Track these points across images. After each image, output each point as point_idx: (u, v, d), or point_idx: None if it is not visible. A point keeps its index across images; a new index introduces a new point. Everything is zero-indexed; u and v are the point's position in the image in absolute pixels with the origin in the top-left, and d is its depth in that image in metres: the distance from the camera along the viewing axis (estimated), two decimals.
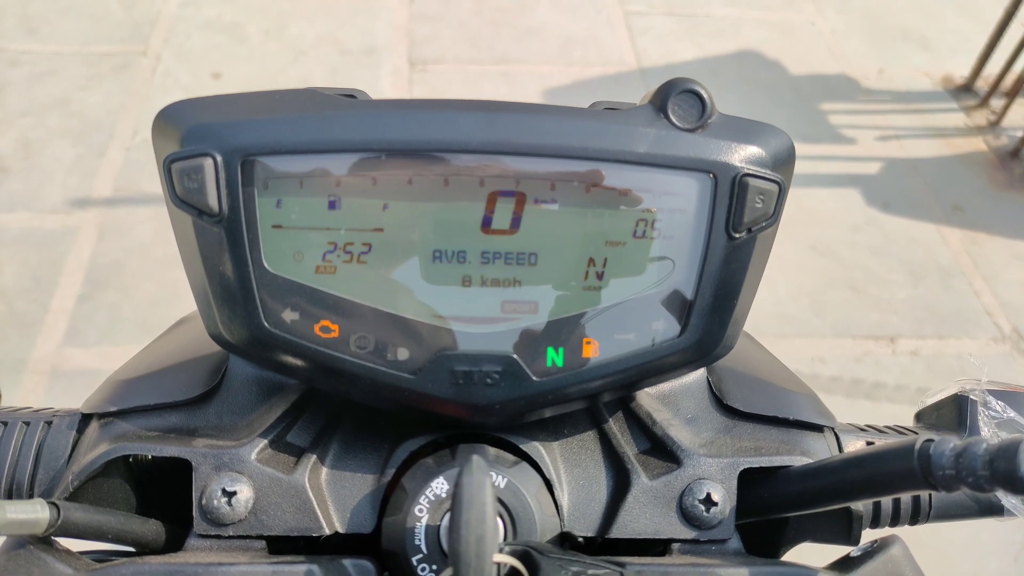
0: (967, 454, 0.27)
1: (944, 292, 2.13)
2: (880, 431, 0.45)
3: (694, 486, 0.36)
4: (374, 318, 0.33)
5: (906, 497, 0.42)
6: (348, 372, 0.33)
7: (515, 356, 0.33)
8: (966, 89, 2.80)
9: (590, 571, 0.28)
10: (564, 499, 0.37)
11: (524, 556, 0.29)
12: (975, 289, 2.15)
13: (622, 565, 0.31)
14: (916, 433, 0.45)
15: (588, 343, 0.34)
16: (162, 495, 0.40)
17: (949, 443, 0.28)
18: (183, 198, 0.31)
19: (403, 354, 0.33)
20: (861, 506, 0.39)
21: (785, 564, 0.35)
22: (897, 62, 2.88)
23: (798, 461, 0.37)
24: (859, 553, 0.35)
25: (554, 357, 0.34)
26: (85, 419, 0.39)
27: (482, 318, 0.33)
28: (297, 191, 0.31)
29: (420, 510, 0.32)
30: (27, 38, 2.54)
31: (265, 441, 0.36)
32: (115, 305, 1.89)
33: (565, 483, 0.37)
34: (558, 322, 0.33)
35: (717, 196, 0.32)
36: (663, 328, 0.34)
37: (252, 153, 0.30)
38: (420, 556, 0.32)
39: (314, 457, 0.36)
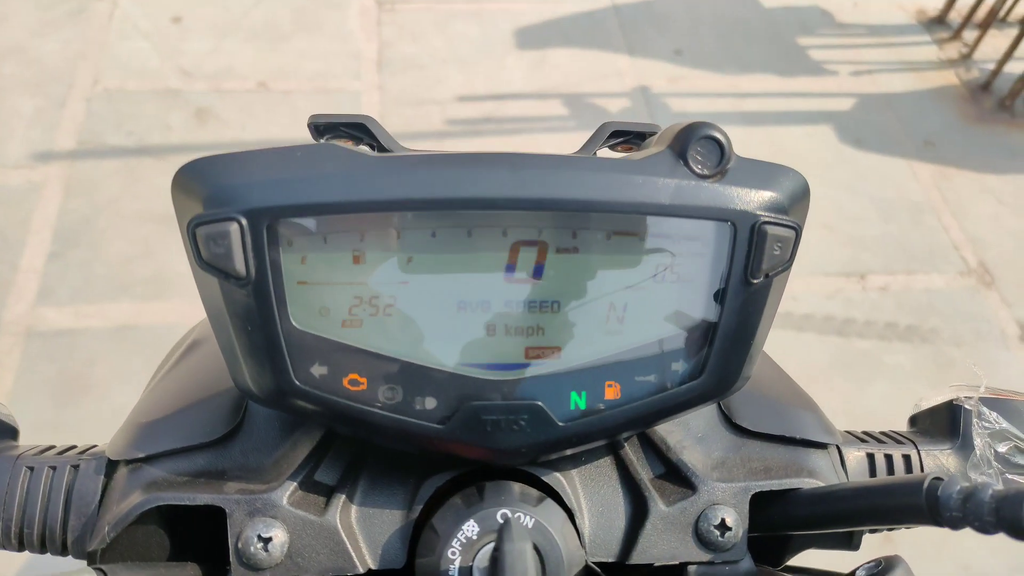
0: (974, 499, 0.28)
1: (914, 228, 2.16)
2: (879, 440, 0.47)
3: (709, 512, 0.38)
4: (401, 369, 0.33)
5: None
6: (377, 424, 0.34)
7: (540, 403, 0.34)
8: (939, 21, 2.78)
9: None
10: (585, 527, 0.38)
11: None
12: (944, 224, 2.18)
13: None
14: (914, 443, 0.47)
15: (610, 386, 0.35)
16: (195, 536, 0.40)
17: (956, 485, 0.30)
18: (209, 262, 0.31)
19: (430, 403, 0.34)
20: None
21: None
22: None
23: (806, 483, 0.39)
24: (864, 573, 0.37)
25: (577, 401, 0.34)
26: (112, 463, 0.39)
27: (506, 364, 0.34)
28: (322, 247, 0.31)
29: (453, 552, 0.33)
30: None
31: (295, 484, 0.36)
32: (87, 263, 1.86)
33: (586, 511, 0.39)
34: (581, 367, 0.34)
35: (736, 244, 0.33)
36: (683, 369, 0.35)
37: (278, 216, 0.30)
38: None
39: (343, 497, 0.37)
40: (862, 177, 2.27)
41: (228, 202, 0.30)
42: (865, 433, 0.48)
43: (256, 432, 0.38)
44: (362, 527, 0.37)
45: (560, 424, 0.34)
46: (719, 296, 0.34)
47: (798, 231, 0.33)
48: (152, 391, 0.43)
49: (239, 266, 0.30)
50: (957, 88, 2.57)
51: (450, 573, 0.33)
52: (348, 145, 0.33)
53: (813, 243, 2.09)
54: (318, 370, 0.33)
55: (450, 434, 0.34)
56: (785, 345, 1.88)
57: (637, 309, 0.34)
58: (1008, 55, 2.50)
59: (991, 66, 2.56)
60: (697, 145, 0.32)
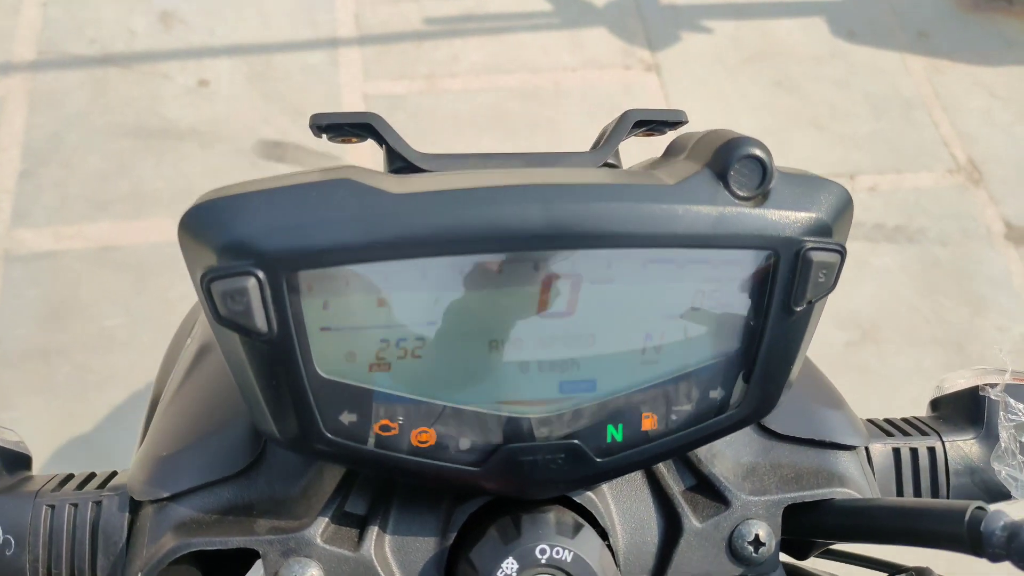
0: (1020, 537, 0.28)
1: (905, 125, 2.13)
2: (903, 431, 0.46)
3: (743, 527, 0.38)
4: (433, 412, 0.32)
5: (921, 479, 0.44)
6: (411, 470, 0.33)
7: (577, 442, 0.33)
8: None
9: None
10: (620, 547, 0.38)
11: None
12: (934, 120, 2.15)
13: None
14: (936, 431, 0.46)
15: (647, 417, 0.34)
16: (227, 571, 0.39)
17: (1000, 520, 0.29)
18: (227, 318, 0.29)
19: (464, 444, 0.33)
20: None
21: None
22: None
23: (838, 493, 0.39)
24: None
25: (614, 434, 0.34)
26: (135, 505, 0.38)
27: (541, 401, 0.33)
28: (344, 291, 0.30)
29: None
30: None
31: (326, 520, 0.36)
32: (60, 181, 1.80)
33: (620, 530, 0.38)
34: (617, 400, 0.33)
35: (778, 272, 0.31)
36: (720, 397, 0.34)
37: (298, 266, 0.28)
38: None
39: (376, 529, 0.36)
40: (854, 72, 2.21)
41: (244, 254, 0.28)
42: (887, 422, 0.47)
43: (279, 460, 0.38)
44: (396, 558, 0.36)
45: (598, 460, 0.34)
46: (759, 324, 0.32)
47: (843, 255, 0.32)
48: (166, 415, 0.42)
49: (260, 323, 0.29)
50: None
51: None
52: (356, 168, 0.31)
53: (803, 144, 2.06)
54: (347, 418, 0.32)
55: (486, 476, 0.33)
56: None
57: (674, 338, 0.32)
58: None
59: None
60: (739, 165, 0.30)
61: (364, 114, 0.35)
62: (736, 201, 0.30)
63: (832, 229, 0.32)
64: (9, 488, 0.38)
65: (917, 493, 0.44)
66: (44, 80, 1.93)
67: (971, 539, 0.30)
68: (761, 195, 0.31)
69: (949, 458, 0.44)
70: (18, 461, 0.40)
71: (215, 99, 1.96)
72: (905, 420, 0.48)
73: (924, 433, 0.46)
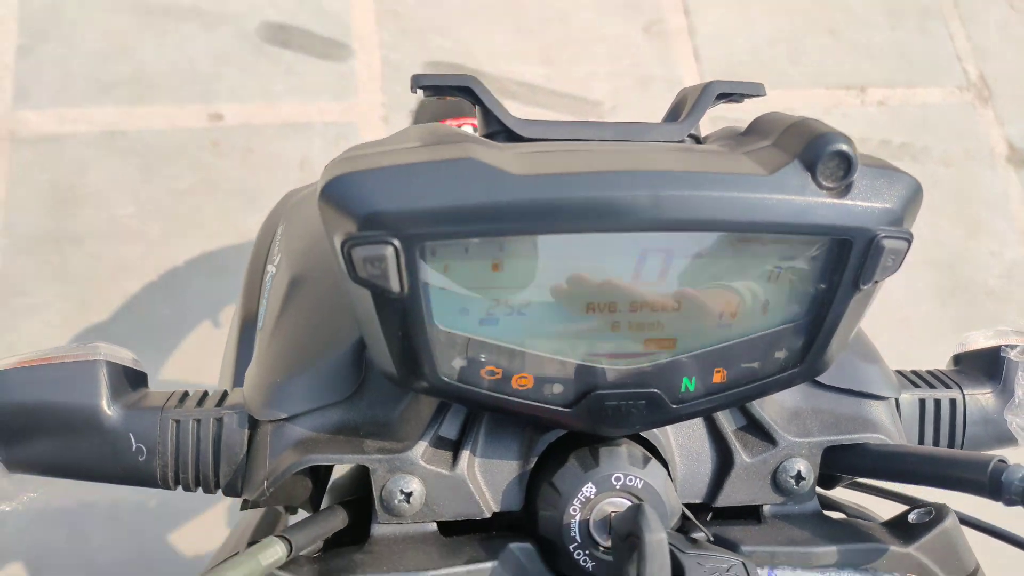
0: None
1: (919, 36, 2.10)
2: (928, 383, 0.51)
3: (787, 464, 0.43)
4: (532, 361, 0.36)
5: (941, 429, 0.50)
6: (510, 408, 0.38)
7: (656, 390, 0.38)
8: None
9: (721, 564, 0.36)
10: (678, 475, 0.43)
11: (673, 550, 0.36)
12: (950, 32, 2.12)
13: (738, 550, 0.38)
14: (957, 384, 0.51)
15: (717, 372, 0.38)
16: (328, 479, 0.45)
17: (1019, 472, 0.35)
18: (364, 279, 0.32)
19: (558, 389, 0.37)
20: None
21: (857, 521, 0.43)
22: None
23: (872, 438, 0.44)
24: (915, 519, 0.43)
25: (688, 385, 0.38)
26: (253, 422, 0.42)
27: (626, 354, 0.37)
28: (464, 256, 0.33)
29: (574, 510, 0.38)
30: None
31: (425, 443, 0.40)
32: (61, 59, 1.75)
33: (678, 461, 0.44)
34: (693, 356, 0.37)
35: (852, 256, 0.34)
36: (784, 358, 0.38)
37: (428, 238, 0.32)
38: (576, 544, 0.38)
39: (467, 452, 0.41)
40: None
41: (383, 226, 0.31)
42: (914, 373, 0.52)
43: (378, 388, 0.42)
44: (484, 478, 0.42)
45: (672, 407, 0.38)
46: (827, 298, 0.36)
47: (911, 241, 0.35)
48: (272, 343, 0.46)
49: (394, 284, 0.32)
50: None
51: (572, 526, 0.38)
52: (456, 125, 0.34)
53: (816, 53, 2.03)
54: (458, 363, 0.36)
55: (575, 416, 0.38)
56: None
57: (750, 306, 0.36)
58: None
59: None
60: (826, 160, 0.33)
61: (463, 77, 0.37)
62: (822, 192, 0.33)
63: (903, 219, 0.35)
64: (136, 403, 0.42)
65: (937, 439, 0.50)
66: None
67: (991, 487, 0.36)
68: (845, 187, 0.34)
69: (968, 409, 0.50)
70: (137, 378, 0.45)
71: None
72: (930, 372, 0.53)
73: (947, 386, 0.51)
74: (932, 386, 0.51)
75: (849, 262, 0.34)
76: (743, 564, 0.36)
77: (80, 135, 1.70)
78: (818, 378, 0.45)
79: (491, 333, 0.35)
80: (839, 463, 0.44)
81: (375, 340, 0.36)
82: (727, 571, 0.35)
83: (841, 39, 2.06)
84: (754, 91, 0.42)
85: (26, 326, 1.54)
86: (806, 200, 0.33)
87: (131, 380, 0.44)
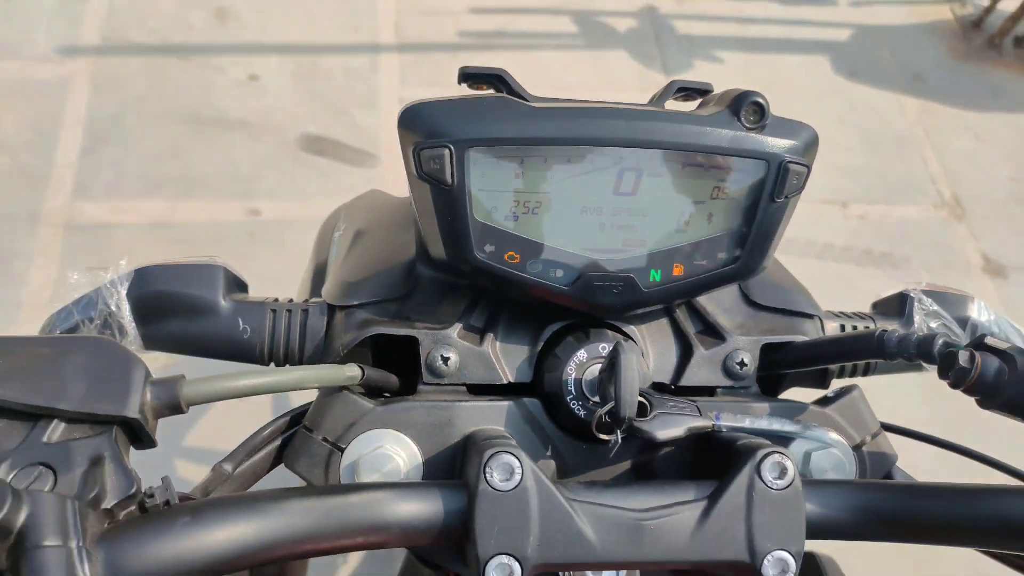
0: (905, 340, 0.45)
1: (896, 160, 2.31)
2: (848, 316, 0.63)
3: (733, 354, 0.54)
4: (543, 250, 0.48)
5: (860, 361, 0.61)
6: (524, 285, 0.49)
7: (631, 275, 0.49)
8: None
9: (679, 405, 0.46)
10: (650, 361, 0.54)
11: (643, 396, 0.47)
12: (924, 157, 2.33)
13: (695, 401, 0.49)
14: (873, 319, 0.63)
15: (677, 266, 0.50)
16: (386, 357, 0.56)
17: (896, 334, 0.46)
18: (427, 174, 0.45)
19: (560, 272, 0.49)
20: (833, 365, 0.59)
21: (788, 400, 0.53)
22: None
23: (799, 338, 0.55)
24: (832, 395, 0.54)
25: (655, 275, 0.50)
26: (331, 308, 0.54)
27: (610, 249, 0.49)
28: (495, 165, 0.46)
29: (570, 370, 0.50)
30: None
31: (460, 325, 0.52)
32: (119, 160, 1.95)
33: (650, 351, 0.55)
34: (659, 253, 0.49)
35: (768, 175, 0.47)
36: (726, 257, 0.50)
37: (472, 145, 0.44)
38: (571, 397, 0.49)
39: (491, 335, 0.53)
40: (853, 108, 2.39)
41: (442, 136, 0.44)
42: (840, 312, 0.64)
43: (424, 292, 0.54)
44: (503, 355, 0.53)
45: (644, 290, 0.50)
46: (753, 209, 0.48)
47: (809, 169, 0.48)
48: (345, 263, 0.58)
49: (447, 177, 0.45)
50: (950, 24, 2.66)
51: (568, 383, 0.49)
52: (489, 92, 0.47)
53: None
54: (488, 248, 0.48)
55: (572, 293, 0.49)
56: None
57: (699, 216, 0.49)
58: None
59: (985, 2, 2.64)
60: (747, 108, 0.46)
61: (495, 69, 0.50)
62: (744, 128, 0.46)
63: (803, 153, 0.48)
64: (242, 299, 0.54)
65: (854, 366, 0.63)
66: (107, 64, 2.08)
67: (877, 347, 0.46)
68: (760, 127, 0.46)
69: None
70: (241, 285, 0.56)
71: (263, 93, 2.11)
72: (852, 312, 0.64)
73: (863, 319, 0.63)
74: (851, 318, 0.63)
75: (766, 181, 0.47)
76: (696, 406, 0.46)
77: (129, 225, 1.87)
78: (759, 300, 0.57)
79: (513, 227, 0.48)
80: (773, 357, 0.55)
81: (431, 228, 0.48)
82: (683, 408, 0.46)
83: (824, 161, 2.25)
84: (705, 87, 0.55)
85: None
86: (734, 133, 0.46)
87: (238, 285, 0.56)
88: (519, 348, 0.53)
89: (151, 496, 0.35)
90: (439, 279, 0.54)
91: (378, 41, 2.26)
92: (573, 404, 0.49)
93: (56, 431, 0.35)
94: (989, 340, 0.43)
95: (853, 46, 2.54)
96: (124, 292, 0.51)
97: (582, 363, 0.50)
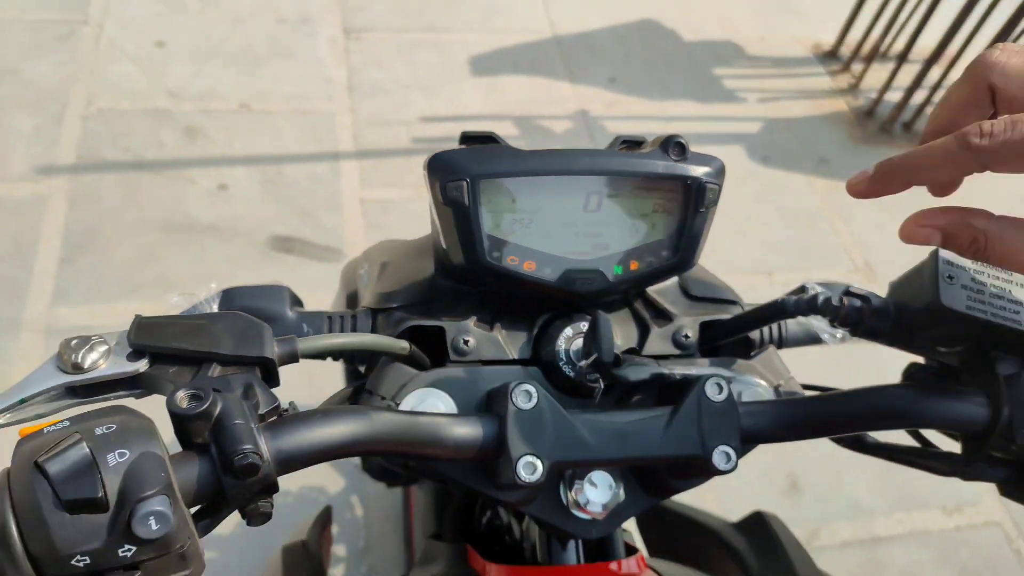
0: (799, 301, 0.60)
1: (811, 233, 2.57)
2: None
3: (680, 330, 0.69)
4: (535, 254, 0.63)
5: (774, 330, 0.76)
6: (522, 280, 0.63)
7: (600, 270, 0.64)
8: (832, 55, 3.22)
9: (643, 360, 0.60)
10: (618, 339, 0.70)
11: (616, 354, 0.59)
12: (835, 229, 2.59)
13: (657, 363, 0.62)
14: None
15: (633, 263, 0.65)
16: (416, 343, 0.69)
17: (793, 298, 0.61)
18: (450, 200, 0.59)
19: (547, 270, 0.63)
20: (755, 334, 0.74)
21: (723, 358, 0.68)
22: (776, 30, 3.28)
23: (726, 318, 0.71)
24: (754, 354, 0.69)
25: (617, 270, 0.64)
26: (374, 312, 0.67)
27: (584, 252, 0.64)
28: (497, 192, 0.61)
29: (561, 343, 0.64)
30: None
31: (474, 318, 0.66)
32: (96, 267, 2.07)
33: (618, 331, 0.69)
34: (619, 253, 0.64)
35: (691, 193, 0.63)
36: (667, 255, 0.65)
37: (481, 179, 0.59)
38: (563, 362, 0.63)
39: (498, 324, 0.67)
40: (768, 190, 2.66)
41: (461, 173, 0.59)
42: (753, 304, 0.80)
43: (443, 297, 0.68)
44: (509, 339, 0.67)
45: (611, 281, 0.65)
46: (684, 218, 0.64)
47: (720, 187, 0.63)
48: (379, 283, 0.72)
49: (466, 201, 0.59)
50: (846, 114, 3.00)
51: (560, 351, 0.64)
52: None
53: (728, 247, 2.46)
54: (495, 254, 0.62)
55: (557, 285, 0.64)
56: None
57: (646, 226, 0.64)
58: (887, 85, 2.95)
59: (874, 95, 3.01)
60: (673, 145, 0.62)
61: (487, 132, 0.64)
62: (673, 160, 0.62)
63: (715, 176, 0.63)
64: (303, 311, 0.66)
65: (769, 334, 0.77)
66: (83, 181, 2.23)
67: (785, 308, 0.61)
68: (684, 158, 0.62)
69: (790, 322, 0.78)
70: (299, 301, 0.69)
71: (233, 200, 2.27)
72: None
73: None
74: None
75: (690, 198, 0.63)
76: (656, 362, 0.62)
77: (109, 326, 1.96)
78: (695, 293, 0.73)
79: (512, 237, 0.63)
80: (709, 332, 0.70)
81: (452, 241, 0.62)
82: (645, 364, 0.61)
83: (749, 236, 2.50)
84: (640, 139, 0.73)
85: None
86: (665, 163, 0.63)
87: (298, 302, 0.69)
88: (520, 333, 0.68)
89: (287, 410, 0.49)
90: (454, 288, 0.69)
91: (338, 149, 2.46)
92: (565, 368, 0.64)
93: (215, 371, 0.48)
94: (852, 289, 0.60)
95: (764, 136, 2.85)
96: (216, 307, 0.65)
97: (569, 337, 0.65)
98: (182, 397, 0.43)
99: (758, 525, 0.80)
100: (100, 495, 0.37)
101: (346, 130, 2.51)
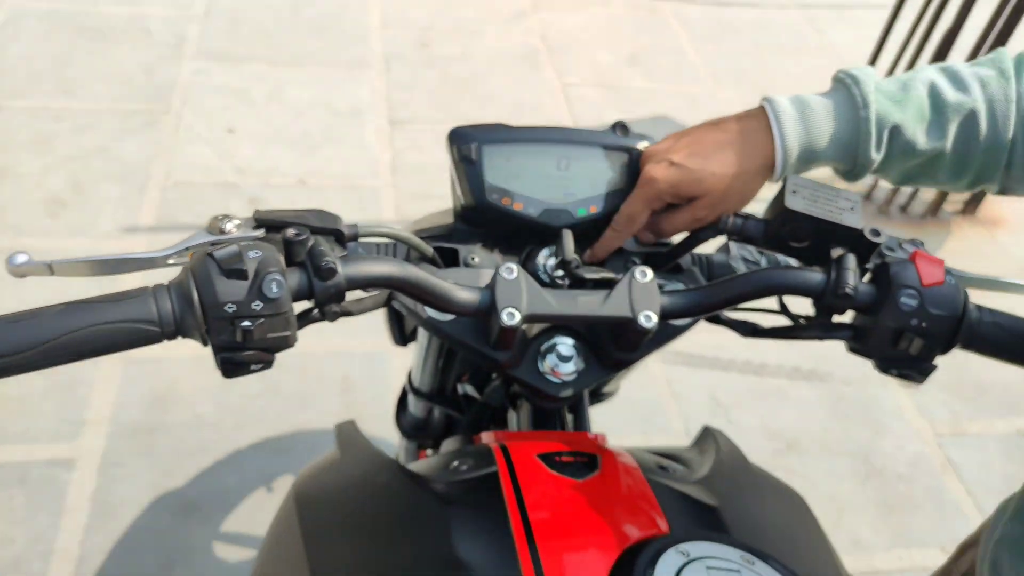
0: (710, 227, 0.83)
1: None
2: None
3: (631, 257, 0.90)
4: (522, 197, 0.85)
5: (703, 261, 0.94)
6: (513, 216, 0.85)
7: (568, 210, 0.84)
8: None
9: (593, 268, 0.83)
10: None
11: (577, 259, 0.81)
12: None
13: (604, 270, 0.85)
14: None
15: (592, 207, 0.83)
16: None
17: (730, 217, 0.81)
18: (463, 156, 0.83)
19: (532, 209, 0.85)
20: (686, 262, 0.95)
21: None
22: None
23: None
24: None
25: (581, 212, 0.83)
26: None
27: (557, 198, 0.84)
28: (497, 153, 0.84)
29: (540, 260, 0.83)
30: (65, 97, 3.00)
31: (479, 244, 0.83)
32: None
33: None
34: (583, 199, 0.84)
35: (631, 158, 0.86)
36: (616, 201, 0.84)
37: (486, 144, 0.83)
38: (540, 271, 0.84)
39: (496, 250, 0.88)
40: None
41: (471, 139, 0.83)
42: None
43: (459, 234, 0.88)
44: (503, 259, 0.86)
45: (575, 218, 0.85)
46: (627, 176, 0.86)
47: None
48: (415, 223, 0.94)
49: (474, 156, 0.83)
50: None
51: (539, 266, 0.84)
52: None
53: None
54: (494, 196, 0.83)
55: (539, 219, 0.85)
56: (711, 382, 2.42)
57: (601, 181, 0.87)
58: None
59: (871, 180, 3.27)
60: (619, 127, 0.87)
61: (497, 122, 0.90)
62: (620, 136, 0.86)
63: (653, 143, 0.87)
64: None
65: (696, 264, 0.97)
66: (160, 239, 2.54)
67: (718, 231, 0.81)
68: (627, 134, 0.86)
69: (716, 259, 0.96)
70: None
71: None
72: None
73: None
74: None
75: (630, 161, 0.87)
76: (604, 269, 0.84)
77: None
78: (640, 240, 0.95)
79: (506, 185, 0.85)
80: (654, 260, 0.90)
81: (464, 188, 0.85)
82: (595, 268, 0.83)
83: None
84: (628, 126, 0.98)
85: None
86: (616, 139, 0.87)
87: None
88: (512, 255, 0.90)
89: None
90: (467, 229, 0.91)
91: (382, 218, 2.76)
92: (542, 276, 0.85)
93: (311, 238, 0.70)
94: (738, 213, 0.81)
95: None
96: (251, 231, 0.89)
97: (546, 256, 0.86)
98: (291, 232, 0.66)
99: (704, 438, 0.99)
100: (244, 268, 0.59)
101: (389, 201, 2.82)
